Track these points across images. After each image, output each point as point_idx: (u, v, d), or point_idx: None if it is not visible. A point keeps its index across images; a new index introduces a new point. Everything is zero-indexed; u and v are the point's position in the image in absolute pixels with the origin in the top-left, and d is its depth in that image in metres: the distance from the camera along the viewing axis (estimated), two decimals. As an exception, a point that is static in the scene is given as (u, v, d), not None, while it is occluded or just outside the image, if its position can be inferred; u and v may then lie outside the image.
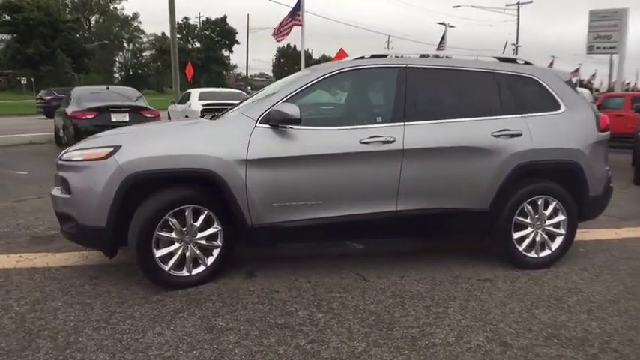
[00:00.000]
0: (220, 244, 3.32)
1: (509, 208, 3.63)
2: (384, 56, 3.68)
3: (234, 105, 4.04)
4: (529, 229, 3.72)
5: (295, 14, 17.03)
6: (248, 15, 51.86)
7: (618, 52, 25.27)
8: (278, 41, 17.44)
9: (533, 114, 3.70)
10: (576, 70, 58.53)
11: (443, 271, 3.67)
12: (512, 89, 3.74)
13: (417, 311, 3.00)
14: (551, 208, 3.72)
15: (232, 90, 13.58)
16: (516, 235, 3.69)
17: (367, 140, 3.36)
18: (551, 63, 52.11)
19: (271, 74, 76.22)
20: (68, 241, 3.59)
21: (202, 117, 4.47)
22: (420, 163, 3.45)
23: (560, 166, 3.70)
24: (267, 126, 3.26)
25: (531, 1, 54.64)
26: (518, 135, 3.59)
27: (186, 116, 11.20)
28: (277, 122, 3.21)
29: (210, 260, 3.31)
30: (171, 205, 3.12)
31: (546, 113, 3.74)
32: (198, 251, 3.27)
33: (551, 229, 3.75)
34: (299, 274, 3.54)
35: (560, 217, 3.74)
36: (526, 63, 3.93)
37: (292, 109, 3.11)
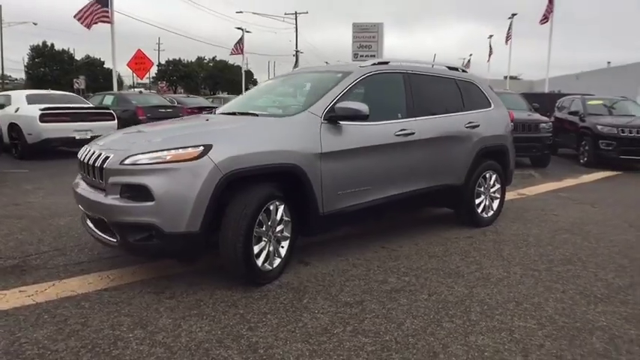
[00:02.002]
0: (289, 235, 3.48)
1: (472, 182, 4.78)
2: (386, 63, 4.34)
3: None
4: (482, 197, 4.96)
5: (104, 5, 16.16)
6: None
7: (377, 57, 30.74)
8: (84, 25, 15.97)
9: (480, 110, 4.94)
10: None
11: (437, 235, 4.60)
12: (466, 91, 4.91)
13: (457, 262, 3.83)
14: (493, 179, 5.04)
15: (65, 93, 11.90)
16: (477, 201, 4.89)
17: (398, 133, 4.01)
18: (325, 67, 59.38)
19: (18, 76, 62.97)
20: (53, 265, 3.15)
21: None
22: (427, 150, 4.27)
23: (497, 148, 5.05)
24: (327, 122, 3.57)
25: (307, 12, 60.51)
26: (477, 126, 4.78)
27: (14, 124, 9.39)
28: (344, 118, 3.56)
29: (283, 252, 3.44)
30: (265, 201, 3.16)
31: (486, 109, 5.03)
32: (276, 244, 3.38)
33: (493, 194, 5.08)
34: (343, 255, 3.95)
35: (497, 186, 5.11)
36: (463, 71, 5.16)
37: (362, 107, 3.52)
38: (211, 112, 4.65)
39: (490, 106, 5.11)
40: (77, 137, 9.47)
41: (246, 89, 63.54)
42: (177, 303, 2.99)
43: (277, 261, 3.39)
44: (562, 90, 22.13)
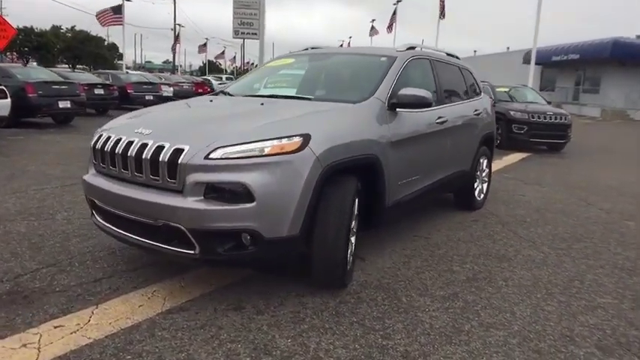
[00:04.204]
0: (355, 230, 3.23)
1: (473, 168, 4.97)
2: (414, 48, 4.21)
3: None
4: (478, 181, 5.18)
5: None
6: None
7: (259, 37, 30.26)
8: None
9: (477, 98, 5.12)
10: (222, 53, 65.67)
11: (447, 220, 4.69)
12: (466, 79, 5.03)
13: (490, 245, 3.96)
14: (484, 164, 5.30)
15: None
16: (474, 186, 5.10)
17: (437, 120, 3.95)
18: (205, 44, 56.68)
19: None
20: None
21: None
22: (453, 138, 4.30)
23: (491, 134, 5.30)
24: (388, 110, 3.36)
25: (185, -18, 56.28)
26: (480, 113, 4.95)
27: None
28: (405, 106, 3.36)
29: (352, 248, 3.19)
30: (355, 196, 2.86)
31: (481, 97, 5.23)
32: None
33: (484, 178, 5.35)
34: (386, 246, 3.81)
35: (487, 170, 5.39)
36: (457, 58, 5.28)
37: (427, 93, 3.35)
38: (217, 95, 4.07)
39: (481, 94, 5.33)
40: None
41: (112, 65, 57.59)
42: (274, 319, 2.58)
43: (350, 258, 3.13)
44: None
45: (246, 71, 45.19)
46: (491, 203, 5.53)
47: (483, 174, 5.32)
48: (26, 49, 51.65)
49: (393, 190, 3.35)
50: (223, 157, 2.43)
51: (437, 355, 2.30)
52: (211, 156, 2.43)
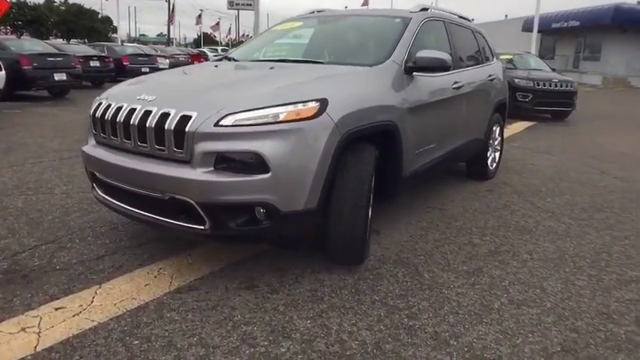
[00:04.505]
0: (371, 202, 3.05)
1: (487, 136, 4.76)
2: (426, 9, 3.93)
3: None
4: (490, 150, 4.98)
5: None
6: None
7: (254, 8, 29.37)
8: None
9: (490, 62, 4.86)
10: (217, 24, 64.15)
11: (460, 190, 4.52)
12: (479, 42, 4.76)
13: (509, 217, 3.80)
14: (497, 132, 5.09)
15: None
16: (487, 154, 4.90)
17: (454, 85, 3.71)
18: (200, 16, 55.33)
19: None
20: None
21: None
22: (468, 104, 4.07)
23: (504, 101, 5.07)
24: (405, 73, 3.11)
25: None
26: (495, 78, 4.70)
27: None
28: (423, 70, 3.12)
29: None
30: (374, 166, 2.66)
31: (493, 62, 4.97)
32: (368, 215, 2.93)
33: (496, 147, 5.14)
34: (401, 218, 3.64)
35: (499, 139, 5.18)
36: (469, 21, 4.99)
37: (447, 56, 3.11)
38: (221, 60, 3.80)
39: (494, 59, 5.07)
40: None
41: (106, 38, 56.27)
42: (290, 298, 2.42)
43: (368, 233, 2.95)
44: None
45: (241, 43, 44.16)
46: (503, 173, 5.35)
47: (496, 142, 5.11)
48: (20, 22, 50.34)
49: (410, 159, 3.15)
50: (235, 124, 2.21)
51: (469, 336, 2.15)
52: (221, 123, 2.21)
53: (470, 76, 4.14)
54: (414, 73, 3.17)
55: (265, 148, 2.20)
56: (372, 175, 2.62)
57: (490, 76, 4.61)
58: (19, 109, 9.24)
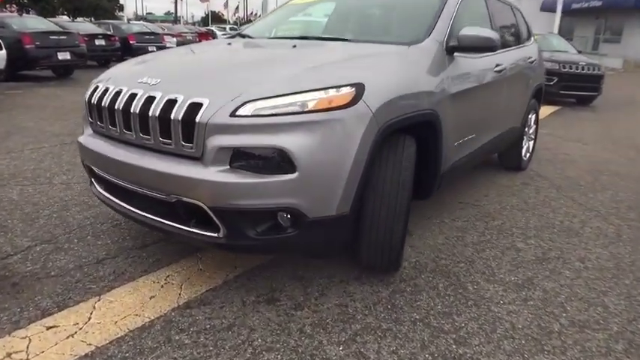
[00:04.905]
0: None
1: (523, 124, 4.36)
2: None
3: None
4: (525, 139, 4.59)
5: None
6: None
7: None
8: None
9: (528, 43, 4.43)
10: (226, 2, 63.15)
11: (491, 182, 4.15)
12: (519, 20, 4.32)
13: (551, 215, 3.44)
14: (532, 120, 4.68)
15: None
16: (522, 144, 4.51)
17: (496, 68, 3.31)
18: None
19: None
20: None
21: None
22: (508, 89, 3.67)
23: (541, 86, 4.64)
24: (446, 54, 2.72)
25: None
26: (534, 61, 4.28)
27: None
28: (466, 50, 2.73)
29: (404, 225, 2.66)
30: (415, 163, 2.30)
31: (532, 43, 4.53)
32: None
33: (530, 136, 4.74)
34: (431, 216, 3.29)
35: (534, 127, 4.78)
36: (505, -3, 4.54)
37: (494, 34, 2.71)
38: (234, 38, 3.42)
39: (532, 39, 4.63)
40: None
41: (113, 17, 55.54)
42: (317, 316, 2.09)
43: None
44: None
45: (249, 22, 43.35)
46: (536, 163, 4.96)
47: (530, 131, 4.70)
48: (25, 1, 49.72)
49: (449, 153, 2.78)
50: (255, 113, 1.86)
51: (533, 368, 1.82)
52: (239, 112, 1.86)
53: (511, 58, 3.72)
54: (455, 54, 2.78)
55: (291, 142, 1.84)
56: (413, 173, 2.26)
57: (529, 58, 4.18)
58: (21, 90, 8.92)
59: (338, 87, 1.96)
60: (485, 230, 3.15)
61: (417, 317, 2.11)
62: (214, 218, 1.94)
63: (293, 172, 1.86)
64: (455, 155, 2.92)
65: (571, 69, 9.64)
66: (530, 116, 4.54)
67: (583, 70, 9.87)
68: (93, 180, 2.55)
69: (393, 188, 2.14)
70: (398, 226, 2.17)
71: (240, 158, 1.88)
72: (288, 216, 1.94)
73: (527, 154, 4.72)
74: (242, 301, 2.17)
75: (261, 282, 2.34)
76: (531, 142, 4.80)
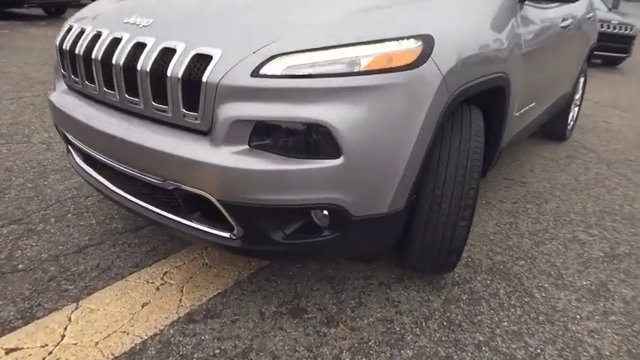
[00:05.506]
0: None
1: (574, 89, 3.80)
2: None
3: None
4: (572, 105, 4.04)
5: None
6: None
7: None
8: None
9: (585, -3, 3.79)
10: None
11: (534, 155, 3.65)
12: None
13: (608, 198, 2.96)
14: (581, 84, 4.11)
15: None
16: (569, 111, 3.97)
17: (562, 23, 2.73)
18: None
19: None
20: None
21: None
22: (568, 49, 3.09)
23: (595, 45, 4.03)
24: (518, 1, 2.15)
25: None
26: (591, 18, 3.66)
27: None
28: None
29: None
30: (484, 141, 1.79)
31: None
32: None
33: (576, 101, 4.19)
34: (486, 198, 2.81)
35: (581, 92, 4.21)
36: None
37: None
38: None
39: (585, -9, 3.98)
40: None
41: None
42: (356, 336, 1.64)
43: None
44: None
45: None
46: (577, 132, 4.44)
47: (577, 96, 4.15)
48: None
49: (511, 124, 2.26)
50: (286, 73, 1.32)
51: None
52: (264, 71, 1.32)
53: (573, 11, 3.12)
54: (526, 2, 2.20)
55: (336, 116, 1.31)
56: (483, 154, 1.74)
57: (589, 13, 3.57)
58: (8, 30, 8.15)
59: (399, 39, 1.42)
60: (540, 215, 2.68)
61: (482, 339, 1.67)
62: (226, 215, 1.44)
63: (337, 156, 1.34)
64: (515, 127, 2.40)
65: (602, 27, 8.87)
66: (580, 80, 3.97)
67: (615, 29, 9.15)
68: (70, 148, 2.04)
69: (460, 174, 1.64)
70: (462, 222, 1.68)
71: (264, 135, 1.35)
72: (327, 214, 1.45)
73: (572, 123, 4.19)
74: (260, 313, 1.72)
75: (282, 284, 1.89)
76: (576, 109, 4.25)
